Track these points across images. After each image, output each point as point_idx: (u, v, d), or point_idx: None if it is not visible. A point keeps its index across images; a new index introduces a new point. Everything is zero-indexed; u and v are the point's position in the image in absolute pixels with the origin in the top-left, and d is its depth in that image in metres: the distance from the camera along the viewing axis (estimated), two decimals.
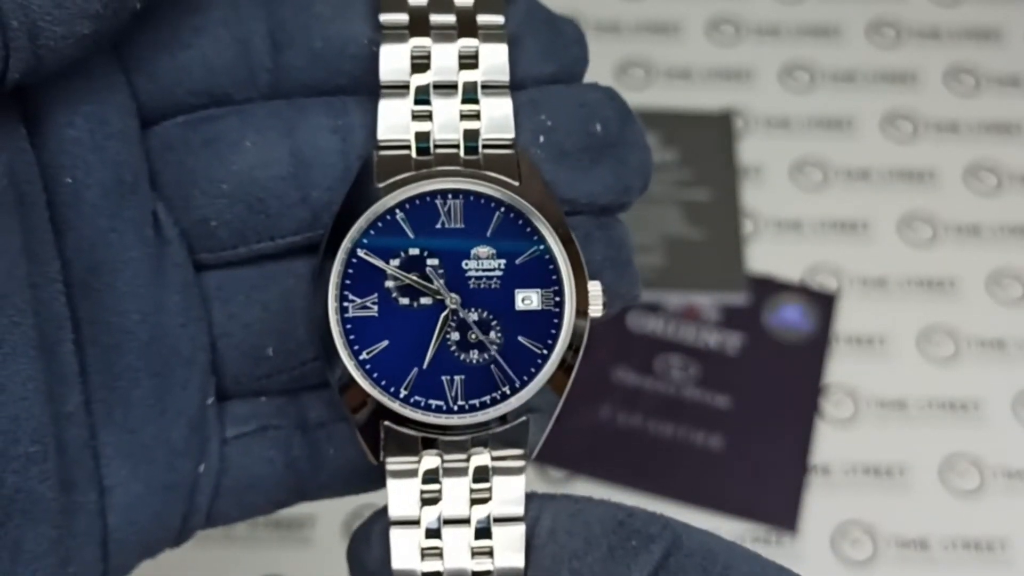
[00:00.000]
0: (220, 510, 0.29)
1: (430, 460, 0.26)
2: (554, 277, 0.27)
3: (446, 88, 0.27)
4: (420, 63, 0.27)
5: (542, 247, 0.27)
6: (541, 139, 0.28)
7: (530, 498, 0.26)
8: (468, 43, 0.27)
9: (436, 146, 0.27)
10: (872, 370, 0.65)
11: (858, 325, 0.66)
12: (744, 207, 0.71)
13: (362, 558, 0.27)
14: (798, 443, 0.60)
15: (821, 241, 0.70)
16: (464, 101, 0.27)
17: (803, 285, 0.68)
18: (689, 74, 0.78)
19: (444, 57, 0.27)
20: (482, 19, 0.28)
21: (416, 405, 0.26)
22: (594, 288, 0.27)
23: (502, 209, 0.27)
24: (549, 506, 0.26)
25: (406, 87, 0.27)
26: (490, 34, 0.28)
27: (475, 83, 0.27)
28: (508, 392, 0.26)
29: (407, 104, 0.27)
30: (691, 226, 0.69)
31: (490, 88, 0.28)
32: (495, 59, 0.28)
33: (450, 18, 0.28)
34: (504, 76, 0.28)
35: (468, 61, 0.28)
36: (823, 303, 0.67)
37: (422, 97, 0.27)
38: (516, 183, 0.27)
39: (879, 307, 0.67)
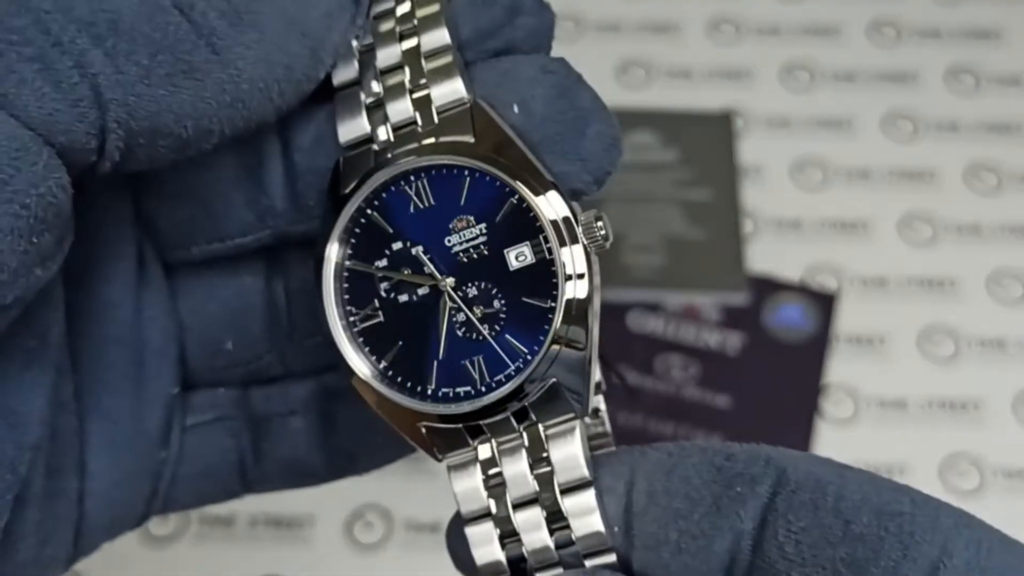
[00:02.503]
0: (175, 497, 0.30)
1: (484, 449, 0.26)
2: (537, 223, 0.25)
3: (392, 71, 0.27)
4: (366, 60, 0.27)
5: (515, 197, 0.25)
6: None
7: (619, 458, 0.25)
8: (406, 26, 0.27)
9: (395, 129, 0.27)
10: (872, 370, 0.65)
11: (858, 325, 0.66)
12: (744, 207, 0.71)
13: (458, 553, 0.27)
14: (798, 443, 0.60)
15: (821, 241, 0.70)
16: (411, 75, 0.27)
17: (803, 285, 0.68)
18: (689, 74, 0.78)
19: (388, 50, 0.27)
20: (420, 12, 0.27)
21: (445, 398, 0.26)
22: (586, 214, 0.25)
23: (466, 172, 0.26)
24: (641, 465, 0.25)
25: (357, 83, 0.27)
26: (427, 15, 0.27)
27: (416, 49, 0.27)
28: (530, 356, 0.25)
29: (361, 100, 0.27)
30: (691, 226, 0.69)
31: (432, 54, 0.27)
32: (433, 26, 0.27)
33: (390, 23, 0.27)
34: (443, 39, 0.27)
35: (408, 32, 0.27)
36: (823, 303, 0.67)
37: (371, 87, 0.27)
38: (471, 139, 0.26)
39: (879, 307, 0.67)
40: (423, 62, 0.27)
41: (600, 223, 0.25)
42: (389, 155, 0.26)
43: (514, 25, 0.27)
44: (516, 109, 0.26)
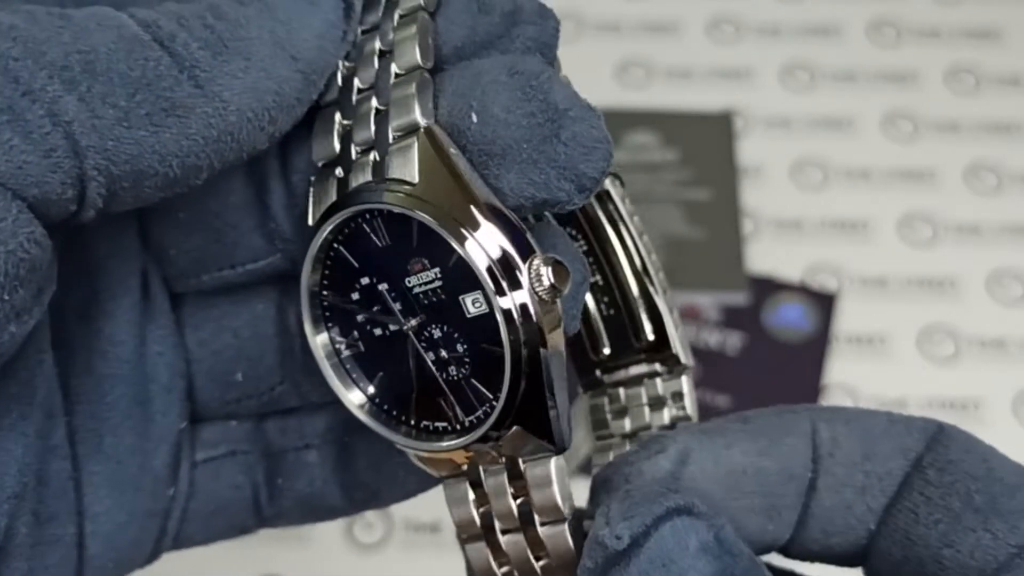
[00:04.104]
0: (187, 534, 0.29)
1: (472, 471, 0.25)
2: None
3: (364, 93, 0.26)
4: (350, 78, 0.26)
5: (459, 251, 0.24)
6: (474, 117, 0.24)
7: (672, 442, 0.26)
8: (386, 43, 0.26)
9: (360, 154, 0.25)
10: (872, 370, 0.65)
11: (858, 325, 0.66)
12: (744, 207, 0.70)
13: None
14: None
15: (821, 241, 0.70)
16: (378, 99, 0.25)
17: (803, 285, 0.68)
18: (689, 74, 0.78)
19: (364, 72, 0.26)
20: (397, 35, 0.26)
21: (427, 431, 0.25)
22: (532, 260, 0.23)
23: (408, 216, 0.24)
24: (820, 413, 0.26)
25: (336, 102, 0.26)
26: (401, 38, 0.26)
27: (387, 72, 0.25)
28: (494, 403, 0.24)
29: (336, 120, 0.26)
30: (691, 226, 0.69)
31: (400, 78, 0.25)
32: (405, 50, 0.25)
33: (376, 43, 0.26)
34: (412, 62, 0.25)
35: (386, 50, 0.26)
36: (823, 303, 0.67)
37: (346, 106, 0.26)
38: (415, 177, 0.24)
39: (879, 307, 0.67)
40: (391, 87, 0.25)
41: (545, 269, 0.23)
42: (351, 185, 0.25)
43: (512, 35, 0.25)
44: (474, 118, 0.24)
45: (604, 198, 0.30)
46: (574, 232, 0.30)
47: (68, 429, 0.26)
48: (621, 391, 0.30)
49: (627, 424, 0.30)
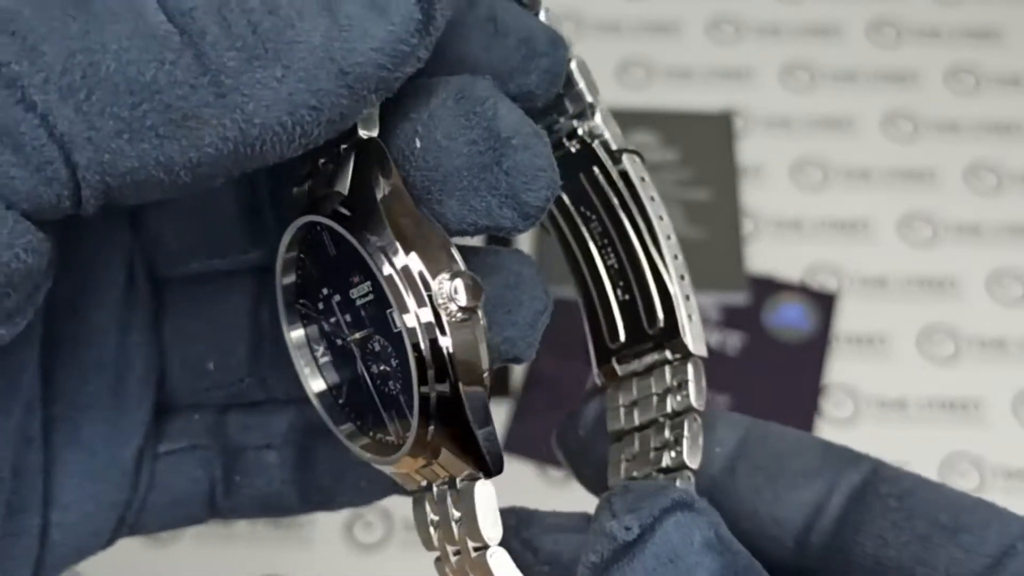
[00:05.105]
0: (141, 523, 0.29)
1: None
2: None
3: None
4: None
5: (370, 264, 0.23)
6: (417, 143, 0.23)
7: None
8: None
9: (322, 163, 0.24)
10: (872, 370, 0.65)
11: (858, 325, 0.66)
12: (744, 207, 0.71)
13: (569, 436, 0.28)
14: None
15: (821, 241, 0.70)
16: None
17: (803, 285, 0.68)
18: (689, 74, 0.78)
19: None
20: None
21: (380, 443, 0.25)
22: (440, 278, 0.22)
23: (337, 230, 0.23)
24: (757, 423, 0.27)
25: None
26: None
27: None
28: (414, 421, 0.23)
29: None
30: (691, 226, 0.69)
31: None
32: None
33: None
34: None
35: None
36: (823, 303, 0.67)
37: None
38: (345, 189, 0.23)
39: (879, 307, 0.67)
40: None
41: (451, 284, 0.22)
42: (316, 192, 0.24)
43: (529, 69, 0.25)
44: (418, 143, 0.23)
45: (620, 177, 0.29)
46: (588, 212, 0.29)
47: (45, 419, 0.26)
48: (634, 382, 0.29)
49: (636, 417, 0.29)
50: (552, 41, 0.25)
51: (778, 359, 0.64)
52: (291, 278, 0.25)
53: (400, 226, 0.23)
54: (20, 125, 0.20)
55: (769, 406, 0.62)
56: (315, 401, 0.26)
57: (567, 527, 0.27)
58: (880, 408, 0.63)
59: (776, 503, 0.25)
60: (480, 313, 0.23)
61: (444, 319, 0.22)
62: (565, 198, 0.29)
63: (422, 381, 0.22)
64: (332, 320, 0.25)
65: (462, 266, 0.23)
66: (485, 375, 0.23)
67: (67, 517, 0.26)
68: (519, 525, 0.26)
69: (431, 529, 0.24)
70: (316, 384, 0.26)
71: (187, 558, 0.58)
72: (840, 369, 0.64)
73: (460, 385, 0.22)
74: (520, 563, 0.24)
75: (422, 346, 0.22)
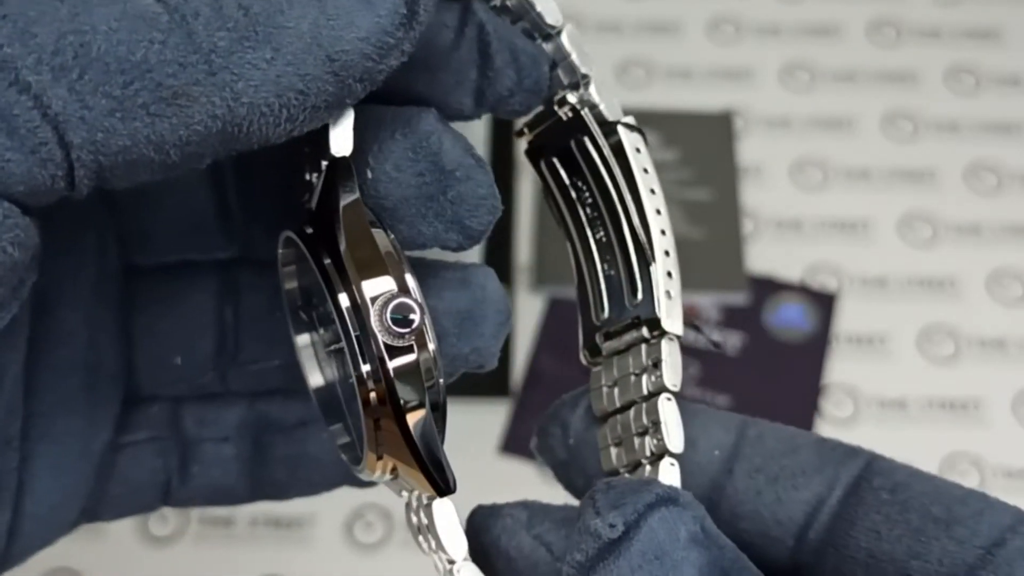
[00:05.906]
0: (98, 512, 0.29)
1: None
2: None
3: None
4: None
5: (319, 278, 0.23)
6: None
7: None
8: None
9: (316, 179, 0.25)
10: (872, 370, 0.65)
11: (858, 325, 0.66)
12: (744, 207, 0.71)
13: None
14: None
15: (821, 241, 0.70)
16: None
17: (803, 285, 0.68)
18: (689, 74, 0.78)
19: None
20: None
21: (355, 450, 0.25)
22: (384, 295, 0.23)
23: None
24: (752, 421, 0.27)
25: None
26: None
27: None
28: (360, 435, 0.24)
29: None
30: (691, 226, 0.69)
31: None
32: None
33: None
34: None
35: None
36: (823, 303, 0.67)
37: None
38: (312, 204, 0.24)
39: (879, 307, 0.67)
40: None
41: (397, 307, 0.22)
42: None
43: (514, 97, 0.26)
44: (369, 174, 0.24)
45: (613, 148, 0.29)
46: (580, 184, 0.29)
47: (26, 417, 0.26)
48: (615, 361, 0.28)
49: (617, 398, 0.28)
50: (534, 60, 0.26)
51: (778, 359, 0.64)
52: (292, 284, 0.26)
53: (354, 246, 0.23)
54: (14, 108, 0.20)
55: (769, 406, 0.62)
56: (313, 397, 0.26)
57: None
58: (880, 408, 0.63)
59: (778, 504, 0.25)
60: (429, 335, 0.23)
61: (383, 343, 0.22)
62: (560, 169, 0.29)
63: (365, 404, 0.23)
64: (321, 329, 0.26)
65: (413, 291, 0.23)
66: (436, 394, 0.23)
67: (36, 509, 0.27)
68: (531, 520, 0.26)
69: (419, 536, 0.25)
70: (315, 379, 0.26)
71: (187, 558, 0.58)
72: (840, 369, 0.64)
73: (402, 409, 0.23)
74: (534, 561, 0.24)
75: (363, 369, 0.22)
